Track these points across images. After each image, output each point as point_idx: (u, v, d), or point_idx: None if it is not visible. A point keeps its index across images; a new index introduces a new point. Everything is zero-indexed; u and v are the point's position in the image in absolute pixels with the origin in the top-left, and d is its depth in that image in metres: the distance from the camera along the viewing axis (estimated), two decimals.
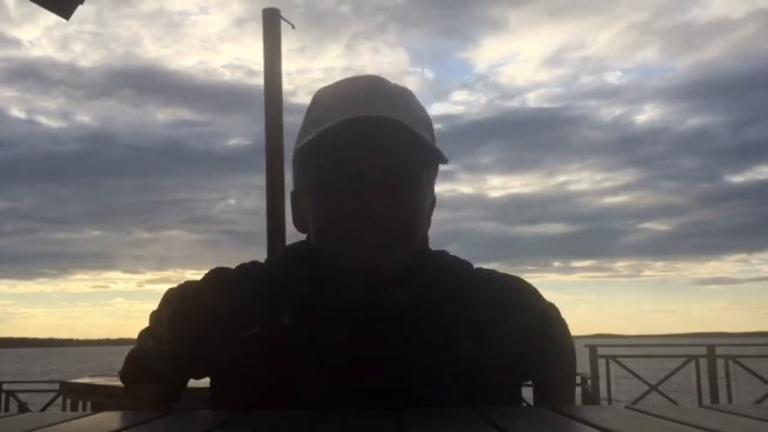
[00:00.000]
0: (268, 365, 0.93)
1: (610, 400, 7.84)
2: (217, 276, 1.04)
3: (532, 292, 1.04)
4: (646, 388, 7.92)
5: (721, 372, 7.65)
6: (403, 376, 0.92)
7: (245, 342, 0.94)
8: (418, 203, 0.96)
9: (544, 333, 1.02)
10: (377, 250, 0.92)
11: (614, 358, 8.17)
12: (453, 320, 0.96)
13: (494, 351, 0.96)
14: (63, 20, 3.11)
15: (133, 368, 1.08)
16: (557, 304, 1.06)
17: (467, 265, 1.05)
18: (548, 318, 1.04)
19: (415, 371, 0.92)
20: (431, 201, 1.01)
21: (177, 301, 1.05)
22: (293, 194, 1.04)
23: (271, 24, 4.31)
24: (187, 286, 1.07)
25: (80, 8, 3.11)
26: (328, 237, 0.95)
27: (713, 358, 7.66)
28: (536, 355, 1.01)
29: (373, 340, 0.92)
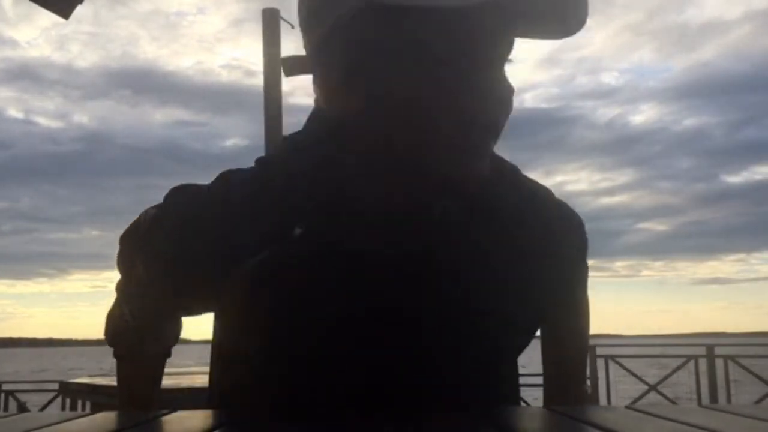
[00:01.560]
0: (287, 288, 0.82)
1: (609, 400, 7.84)
2: (225, 184, 0.89)
3: (581, 224, 0.99)
4: (645, 388, 7.93)
5: (720, 372, 7.66)
6: (439, 299, 0.84)
7: (261, 264, 0.82)
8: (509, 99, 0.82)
9: (581, 275, 1.00)
10: (472, 153, 0.78)
11: (613, 358, 8.17)
12: (499, 241, 0.87)
13: (535, 276, 0.89)
14: (60, 21, 3.11)
15: (118, 331, 1.03)
16: None
17: (516, 170, 0.94)
18: (585, 265, 1.01)
19: (452, 293, 0.84)
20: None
21: (173, 221, 0.89)
22: (316, 57, 0.85)
23: (271, 24, 4.31)
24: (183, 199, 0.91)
25: (77, 9, 3.11)
26: (408, 117, 0.77)
27: (712, 359, 7.66)
28: (566, 295, 0.97)
29: (411, 256, 0.83)
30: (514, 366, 0.99)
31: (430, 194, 0.83)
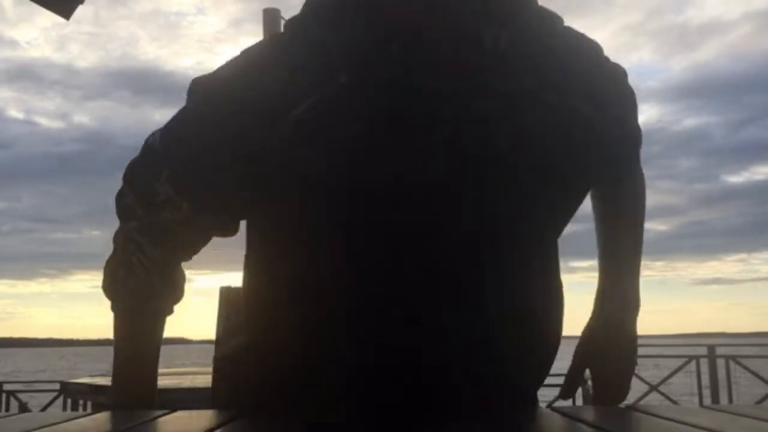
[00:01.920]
0: (333, 136, 0.79)
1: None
2: (250, 57, 0.87)
3: (626, 74, 0.97)
4: (646, 388, 7.92)
5: (721, 372, 7.66)
6: (489, 134, 0.81)
7: (299, 121, 0.79)
8: None
9: (633, 135, 0.98)
10: None
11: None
12: (548, 75, 0.85)
13: (579, 111, 0.85)
14: (60, 21, 3.11)
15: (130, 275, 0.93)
16: None
17: (555, 16, 0.92)
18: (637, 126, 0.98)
19: (501, 132, 0.81)
20: None
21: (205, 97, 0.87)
22: None
23: (272, 24, 4.31)
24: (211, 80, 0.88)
25: (78, 9, 3.11)
26: None
27: (713, 359, 7.66)
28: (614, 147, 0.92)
29: (460, 92, 0.81)
30: (552, 257, 0.93)
31: (478, 23, 0.81)
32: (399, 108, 0.80)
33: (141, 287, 0.94)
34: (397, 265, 0.82)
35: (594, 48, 0.94)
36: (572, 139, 0.84)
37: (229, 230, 0.95)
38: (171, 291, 0.97)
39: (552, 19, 0.90)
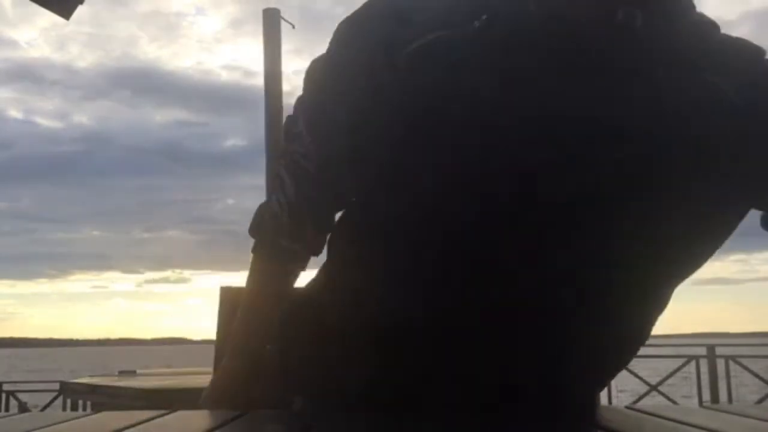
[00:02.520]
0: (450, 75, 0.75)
1: (610, 400, 7.84)
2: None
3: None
4: (646, 388, 7.92)
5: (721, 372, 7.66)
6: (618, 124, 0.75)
7: (415, 54, 0.76)
8: None
9: None
10: None
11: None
12: (688, 61, 0.79)
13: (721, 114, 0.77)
14: (60, 21, 3.11)
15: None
16: None
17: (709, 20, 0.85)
18: None
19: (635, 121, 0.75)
20: None
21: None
22: None
23: (272, 24, 4.31)
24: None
25: (77, 9, 3.11)
26: None
27: (713, 359, 7.66)
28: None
29: (590, 63, 0.76)
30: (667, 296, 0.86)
31: None
32: (530, 62, 0.76)
33: (272, 220, 0.94)
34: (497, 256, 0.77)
35: (756, 49, 0.84)
36: (727, 139, 0.77)
37: (340, 203, 0.92)
38: (300, 232, 0.94)
39: (702, 19, 0.84)
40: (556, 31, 0.77)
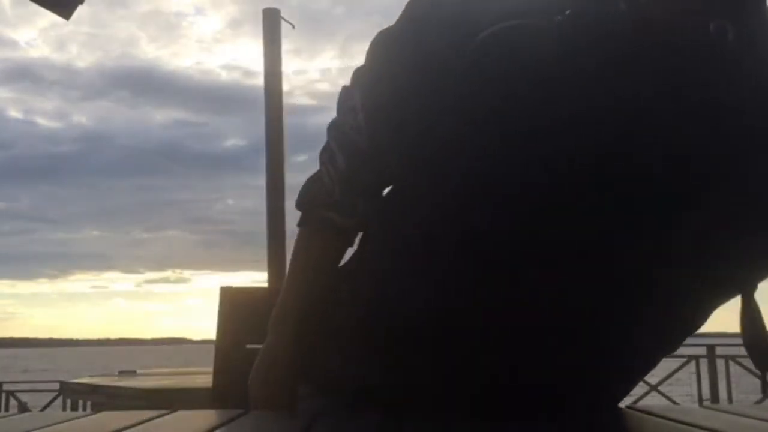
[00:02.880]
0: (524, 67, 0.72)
1: None
2: None
3: None
4: (646, 388, 7.92)
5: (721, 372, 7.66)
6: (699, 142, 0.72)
7: (485, 41, 0.74)
8: None
9: None
10: None
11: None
12: None
13: None
14: (59, 21, 3.11)
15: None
16: None
17: None
18: None
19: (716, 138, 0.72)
20: None
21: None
22: None
23: (272, 24, 4.31)
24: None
25: (77, 9, 3.11)
26: None
27: (713, 358, 7.66)
28: None
29: (675, 71, 0.73)
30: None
31: (708, 7, 0.74)
32: (613, 61, 0.73)
33: (321, 195, 0.93)
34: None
35: None
36: None
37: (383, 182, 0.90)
38: (351, 208, 0.92)
39: None
40: (645, 33, 0.74)
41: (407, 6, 0.85)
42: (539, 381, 0.80)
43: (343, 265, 0.96)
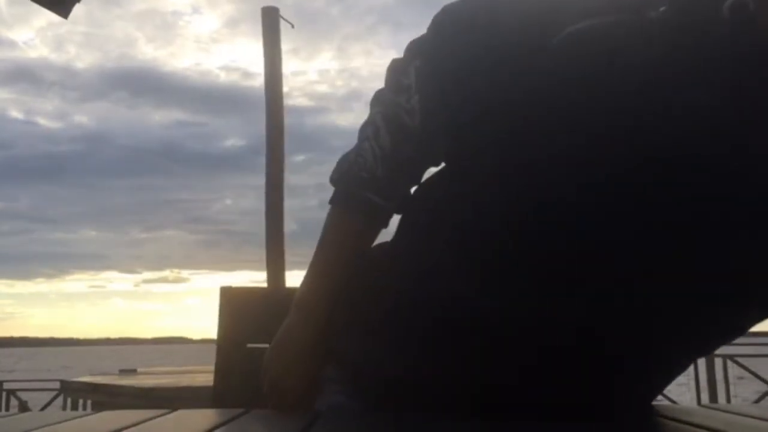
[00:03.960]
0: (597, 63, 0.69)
1: None
2: None
3: None
4: None
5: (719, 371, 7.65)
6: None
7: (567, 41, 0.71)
8: None
9: None
10: None
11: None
12: None
13: None
14: (56, 22, 3.12)
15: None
16: None
17: None
18: None
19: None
20: None
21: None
22: None
23: (271, 23, 4.30)
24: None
25: (75, 9, 3.11)
26: None
27: (711, 357, 7.66)
28: None
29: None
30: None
31: None
32: (705, 65, 0.69)
33: (362, 172, 0.87)
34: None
35: None
36: None
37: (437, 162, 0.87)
38: (392, 189, 0.88)
39: None
40: (746, 42, 0.69)
41: None
42: (565, 386, 0.78)
43: (375, 248, 0.92)
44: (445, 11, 0.84)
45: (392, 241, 0.91)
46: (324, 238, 0.92)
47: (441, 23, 0.84)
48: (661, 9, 0.70)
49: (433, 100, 0.83)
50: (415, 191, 0.90)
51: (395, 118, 0.86)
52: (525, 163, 0.74)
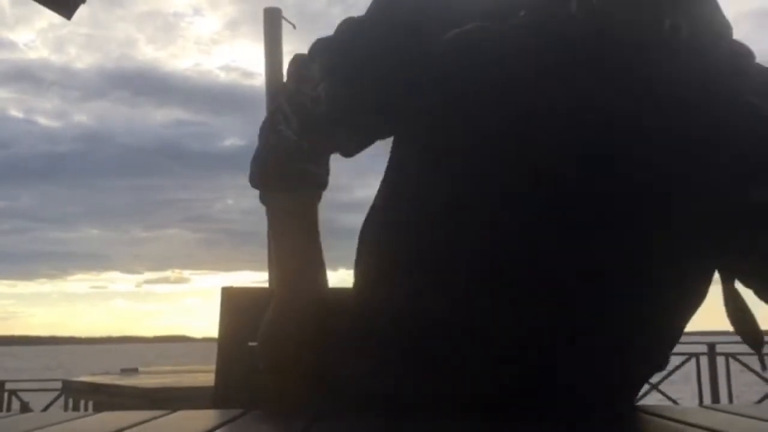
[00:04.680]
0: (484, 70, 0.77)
1: None
2: None
3: None
4: (646, 387, 7.92)
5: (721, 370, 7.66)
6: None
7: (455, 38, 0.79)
8: None
9: None
10: None
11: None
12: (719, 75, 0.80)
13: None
14: (57, 23, 3.12)
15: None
16: None
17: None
18: None
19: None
20: None
21: None
22: None
23: (272, 24, 4.31)
24: None
25: (78, 9, 3.11)
26: None
27: (714, 356, 7.66)
28: None
29: (627, 71, 0.77)
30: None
31: (661, 9, 0.79)
32: (565, 64, 0.77)
33: (288, 144, 0.89)
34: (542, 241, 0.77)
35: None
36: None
37: (354, 144, 0.92)
38: (322, 158, 0.91)
39: (740, 49, 0.85)
40: (594, 33, 0.78)
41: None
42: (554, 385, 0.80)
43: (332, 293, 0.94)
44: (346, 20, 0.91)
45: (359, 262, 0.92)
46: (281, 232, 0.93)
47: (341, 27, 0.90)
48: (521, 13, 0.79)
49: (339, 85, 0.87)
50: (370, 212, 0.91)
51: (301, 107, 0.89)
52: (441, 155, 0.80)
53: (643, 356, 0.86)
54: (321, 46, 0.91)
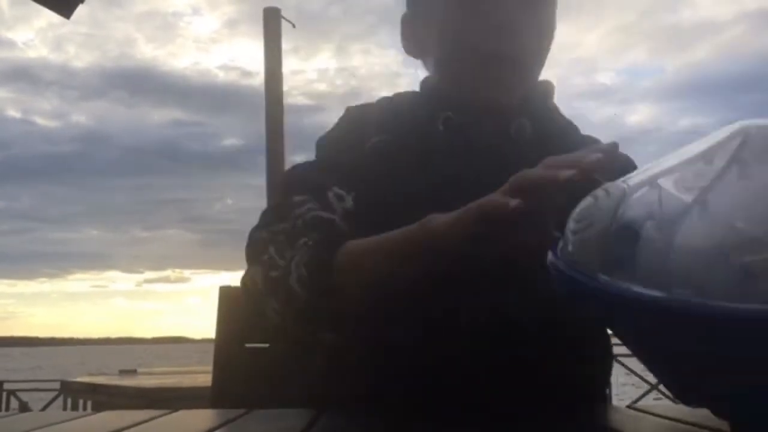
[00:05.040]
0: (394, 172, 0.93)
1: (611, 399, 7.83)
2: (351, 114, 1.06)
3: None
4: (646, 387, 7.93)
5: None
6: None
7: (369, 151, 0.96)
8: (552, 31, 0.99)
9: None
10: (508, 85, 0.96)
11: (615, 357, 8.13)
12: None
13: None
14: (56, 22, 3.14)
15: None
16: None
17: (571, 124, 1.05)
18: None
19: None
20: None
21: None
22: (405, 18, 1.06)
23: (272, 23, 4.31)
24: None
25: (77, 9, 3.11)
26: (459, 55, 0.96)
27: None
28: None
29: (498, 166, 0.82)
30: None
31: (510, 112, 0.95)
32: (436, 171, 0.91)
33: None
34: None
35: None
36: None
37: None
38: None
39: (569, 122, 1.04)
40: (459, 147, 0.94)
41: (343, 116, 1.07)
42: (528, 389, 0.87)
43: None
44: (321, 138, 1.05)
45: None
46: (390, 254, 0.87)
47: (319, 145, 1.04)
48: (374, 140, 0.98)
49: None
50: None
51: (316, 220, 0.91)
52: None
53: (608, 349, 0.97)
54: (292, 171, 1.03)
